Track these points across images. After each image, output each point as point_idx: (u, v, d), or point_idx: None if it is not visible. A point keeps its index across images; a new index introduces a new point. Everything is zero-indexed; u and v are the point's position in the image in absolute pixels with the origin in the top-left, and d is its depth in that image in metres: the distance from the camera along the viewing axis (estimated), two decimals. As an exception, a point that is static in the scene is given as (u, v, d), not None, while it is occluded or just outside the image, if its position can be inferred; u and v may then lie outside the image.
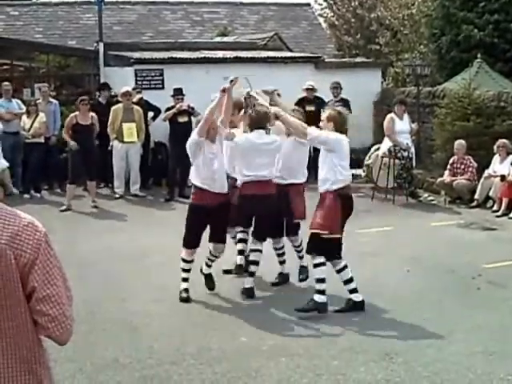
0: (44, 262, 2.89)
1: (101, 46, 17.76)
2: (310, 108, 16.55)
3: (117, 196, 15.08)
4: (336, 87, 16.62)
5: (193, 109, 15.24)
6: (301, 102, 16.85)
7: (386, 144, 14.84)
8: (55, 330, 2.92)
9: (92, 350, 7.08)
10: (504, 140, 14.39)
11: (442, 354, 6.99)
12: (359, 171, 15.82)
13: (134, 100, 15.39)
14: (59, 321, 2.91)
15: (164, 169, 15.89)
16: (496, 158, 14.35)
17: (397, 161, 14.49)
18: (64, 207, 13.91)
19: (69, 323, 2.95)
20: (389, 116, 15.13)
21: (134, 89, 15.90)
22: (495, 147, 14.36)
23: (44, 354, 3.03)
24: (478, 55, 19.07)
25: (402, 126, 14.79)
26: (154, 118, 15.97)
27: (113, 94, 16.29)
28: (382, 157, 14.70)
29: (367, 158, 16.08)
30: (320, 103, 16.42)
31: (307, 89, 16.77)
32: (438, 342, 7.35)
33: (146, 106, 15.83)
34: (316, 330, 7.72)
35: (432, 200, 14.49)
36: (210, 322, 7.92)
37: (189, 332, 7.63)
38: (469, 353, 7.02)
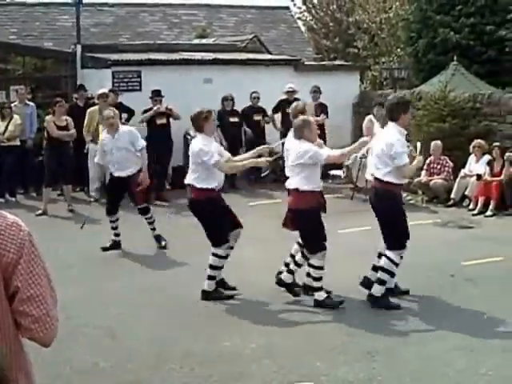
0: (28, 262, 2.84)
1: (78, 48, 17.68)
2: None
3: (92, 200, 14.92)
4: (316, 91, 16.66)
5: (171, 110, 15.19)
6: (281, 105, 16.93)
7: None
8: (39, 330, 2.86)
9: (71, 354, 6.99)
10: (479, 140, 14.63)
11: (424, 351, 7.04)
12: (339, 172, 15.87)
13: (112, 103, 15.30)
14: (43, 321, 2.85)
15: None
16: (472, 158, 14.58)
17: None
18: (40, 211, 13.80)
19: (53, 323, 2.89)
20: (368, 118, 15.22)
21: (112, 91, 15.81)
22: (471, 147, 14.60)
23: (21, 359, 2.96)
24: (454, 58, 19.21)
25: (380, 128, 14.84)
26: (127, 120, 15.84)
27: (89, 96, 16.19)
28: (361, 158, 14.73)
29: (347, 158, 16.10)
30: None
31: (287, 91, 16.82)
32: (419, 339, 7.42)
33: (120, 107, 15.72)
34: (298, 331, 7.73)
35: (410, 200, 14.57)
36: (191, 326, 7.88)
37: (170, 336, 7.58)
38: (450, 349, 7.08)
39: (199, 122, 8.80)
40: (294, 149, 8.41)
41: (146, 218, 11.33)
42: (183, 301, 8.68)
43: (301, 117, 8.61)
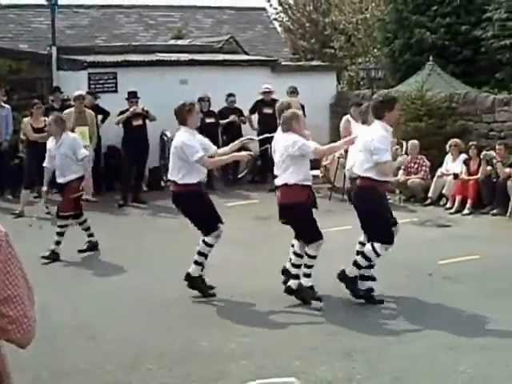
0: (5, 263, 2.80)
1: (54, 50, 17.57)
2: (268, 111, 16.58)
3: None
4: (293, 92, 16.60)
5: (147, 112, 15.13)
6: (258, 105, 16.91)
7: (343, 145, 14.91)
8: (16, 332, 2.82)
9: (48, 357, 6.93)
10: (456, 139, 14.71)
11: (403, 350, 7.05)
12: (317, 172, 15.86)
13: (89, 105, 15.23)
14: (20, 322, 2.81)
15: (117, 173, 15.69)
16: (448, 157, 14.65)
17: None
18: (17, 213, 13.68)
19: (30, 324, 2.86)
20: (345, 118, 15.18)
21: (91, 93, 15.73)
22: (447, 146, 14.67)
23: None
24: (430, 58, 19.33)
25: (357, 127, 14.85)
26: (102, 121, 15.76)
27: (66, 97, 16.09)
28: (339, 157, 14.76)
29: (324, 158, 16.12)
30: (277, 106, 16.47)
31: (264, 92, 16.80)
32: (398, 338, 7.44)
33: (96, 109, 15.66)
34: (277, 330, 7.72)
35: (388, 199, 14.60)
36: (169, 326, 7.83)
37: (148, 336, 7.53)
38: (429, 348, 7.09)
39: (183, 114, 8.75)
40: (282, 142, 8.40)
41: (80, 224, 11.17)
42: (161, 301, 8.63)
43: (290, 110, 8.59)
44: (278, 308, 8.37)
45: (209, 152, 8.82)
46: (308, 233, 8.42)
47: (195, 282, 8.73)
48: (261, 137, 9.29)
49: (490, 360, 6.77)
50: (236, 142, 9.17)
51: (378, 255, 8.30)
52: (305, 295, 8.43)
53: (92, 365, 6.79)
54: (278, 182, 8.50)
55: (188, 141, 8.55)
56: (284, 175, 8.35)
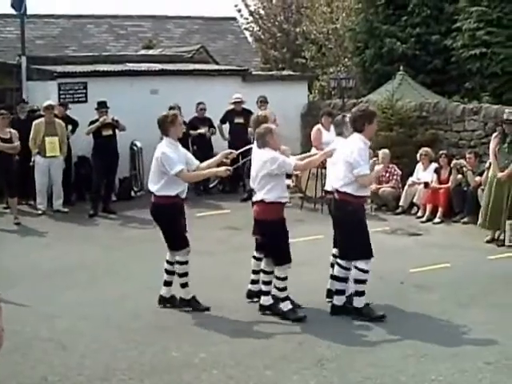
0: None
1: (23, 60, 17.39)
2: (239, 120, 16.63)
3: (39, 212, 14.70)
4: (262, 101, 16.60)
5: (117, 122, 15.04)
6: (229, 115, 16.87)
7: (313, 155, 14.92)
8: None
9: (18, 369, 6.87)
10: (426, 148, 14.77)
11: (374, 359, 7.04)
12: (288, 181, 15.80)
13: (60, 115, 15.11)
14: None
15: (87, 183, 15.56)
16: (419, 166, 14.70)
17: (324, 170, 14.54)
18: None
19: None
20: (316, 127, 15.27)
21: (62, 104, 15.62)
22: (418, 155, 14.71)
23: None
24: (401, 67, 19.49)
25: (328, 137, 14.80)
26: (72, 131, 15.63)
27: (35, 108, 15.96)
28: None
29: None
30: (248, 115, 16.43)
31: (235, 102, 16.76)
32: (369, 346, 7.44)
33: (66, 119, 15.54)
34: (248, 340, 7.67)
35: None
36: (140, 338, 7.76)
37: (119, 348, 7.47)
38: (400, 356, 7.09)
39: (165, 125, 8.62)
40: (258, 158, 8.34)
41: None
42: (131, 312, 8.56)
43: (263, 125, 8.52)
44: (248, 318, 8.33)
45: (191, 167, 8.67)
46: (278, 253, 8.34)
47: (193, 305, 8.62)
48: (241, 150, 9.19)
49: (461, 368, 6.77)
50: (217, 156, 9.00)
51: (367, 271, 8.26)
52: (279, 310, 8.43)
53: (62, 376, 6.72)
54: (255, 197, 8.46)
55: (169, 153, 8.42)
56: (261, 192, 8.29)
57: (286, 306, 8.30)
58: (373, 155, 9.01)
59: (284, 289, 8.32)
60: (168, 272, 8.76)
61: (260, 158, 8.29)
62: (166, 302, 8.73)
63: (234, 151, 9.05)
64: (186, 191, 8.69)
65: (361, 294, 8.29)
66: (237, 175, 16.68)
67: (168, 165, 8.35)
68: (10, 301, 8.32)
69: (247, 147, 9.18)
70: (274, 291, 8.43)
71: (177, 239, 8.60)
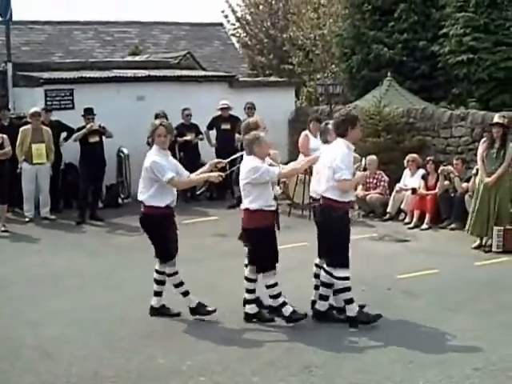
0: None
1: (9, 67, 17.35)
2: (226, 126, 16.64)
3: (27, 219, 14.64)
4: (250, 107, 16.59)
5: (104, 128, 15.00)
6: (216, 121, 16.86)
7: (301, 161, 14.90)
8: None
9: (5, 377, 6.85)
10: (414, 154, 14.80)
11: (361, 365, 7.04)
12: (275, 188, 15.79)
13: (46, 121, 15.04)
14: None
15: (75, 190, 15.49)
16: (406, 172, 14.73)
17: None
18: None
19: None
20: (303, 133, 15.24)
21: (44, 110, 15.55)
22: (405, 161, 14.73)
23: None
24: (388, 73, 19.52)
25: (316, 143, 14.78)
26: (66, 139, 15.58)
27: (22, 114, 15.90)
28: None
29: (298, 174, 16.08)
30: (235, 122, 16.45)
31: (222, 108, 16.75)
32: (356, 352, 7.43)
33: (60, 126, 15.48)
34: (235, 346, 7.65)
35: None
36: (127, 345, 7.73)
37: (106, 355, 7.45)
38: (387, 362, 7.09)
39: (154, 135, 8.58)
40: (245, 165, 8.32)
41: None
42: (117, 319, 8.54)
43: (252, 132, 8.48)
44: (235, 324, 8.31)
45: (181, 177, 8.64)
46: (262, 261, 8.33)
47: (201, 311, 8.56)
48: (230, 158, 9.16)
49: (449, 375, 6.77)
50: (206, 166, 8.92)
51: (347, 278, 8.24)
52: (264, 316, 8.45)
53: (49, 384, 6.68)
54: (242, 205, 8.46)
55: (159, 161, 8.36)
56: (246, 200, 8.29)
57: (286, 311, 8.27)
58: (358, 160, 8.99)
59: (278, 295, 8.31)
60: (157, 282, 8.71)
61: (246, 166, 8.28)
62: (157, 312, 8.68)
63: (222, 160, 9.01)
64: (175, 201, 8.65)
65: (349, 301, 8.28)
66: (225, 182, 16.72)
67: (159, 172, 8.30)
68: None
69: (236, 155, 9.16)
70: (271, 301, 8.43)
71: (163, 251, 8.54)
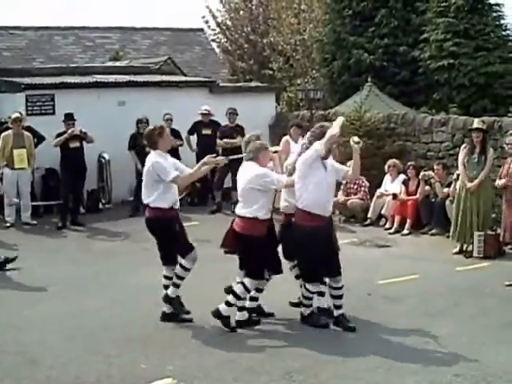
0: None
1: (-10, 72, 17.30)
2: (206, 132, 16.64)
3: (8, 224, 14.59)
4: (232, 113, 16.60)
5: (85, 134, 14.95)
6: (196, 126, 16.85)
7: (282, 166, 14.91)
8: None
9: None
10: (394, 160, 14.81)
11: (342, 370, 7.04)
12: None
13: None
14: None
15: (56, 195, 15.43)
16: (387, 178, 14.74)
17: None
18: None
19: None
20: (284, 139, 15.14)
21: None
22: (386, 167, 14.73)
23: None
24: (369, 79, 19.54)
25: (297, 148, 14.82)
26: (36, 145, 15.43)
27: (3, 120, 15.83)
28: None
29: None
30: (215, 127, 16.46)
31: (202, 113, 16.76)
32: (338, 358, 7.42)
33: (32, 132, 15.40)
34: (216, 351, 7.65)
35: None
36: (108, 350, 7.71)
37: (87, 360, 7.43)
38: (368, 367, 7.09)
39: (153, 138, 8.53)
40: (246, 171, 8.34)
41: None
42: (98, 324, 8.51)
43: (259, 141, 8.56)
44: (216, 330, 8.29)
45: (183, 174, 8.60)
46: (251, 268, 8.36)
47: (174, 303, 8.57)
48: (233, 157, 9.19)
49: (431, 380, 6.78)
50: (200, 162, 8.90)
51: (314, 292, 8.41)
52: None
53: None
54: (238, 211, 8.44)
55: (161, 162, 8.36)
56: (245, 208, 8.31)
57: (242, 316, 8.37)
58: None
59: (254, 298, 8.44)
60: (166, 288, 8.67)
61: (247, 172, 8.30)
62: (169, 318, 8.63)
63: (222, 158, 9.07)
64: (178, 202, 8.65)
65: (338, 307, 8.42)
66: (205, 187, 16.71)
67: (162, 173, 8.30)
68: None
69: (237, 156, 9.16)
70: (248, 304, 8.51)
71: (180, 246, 8.55)
